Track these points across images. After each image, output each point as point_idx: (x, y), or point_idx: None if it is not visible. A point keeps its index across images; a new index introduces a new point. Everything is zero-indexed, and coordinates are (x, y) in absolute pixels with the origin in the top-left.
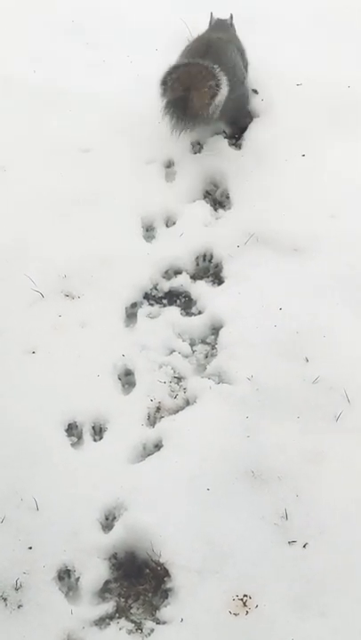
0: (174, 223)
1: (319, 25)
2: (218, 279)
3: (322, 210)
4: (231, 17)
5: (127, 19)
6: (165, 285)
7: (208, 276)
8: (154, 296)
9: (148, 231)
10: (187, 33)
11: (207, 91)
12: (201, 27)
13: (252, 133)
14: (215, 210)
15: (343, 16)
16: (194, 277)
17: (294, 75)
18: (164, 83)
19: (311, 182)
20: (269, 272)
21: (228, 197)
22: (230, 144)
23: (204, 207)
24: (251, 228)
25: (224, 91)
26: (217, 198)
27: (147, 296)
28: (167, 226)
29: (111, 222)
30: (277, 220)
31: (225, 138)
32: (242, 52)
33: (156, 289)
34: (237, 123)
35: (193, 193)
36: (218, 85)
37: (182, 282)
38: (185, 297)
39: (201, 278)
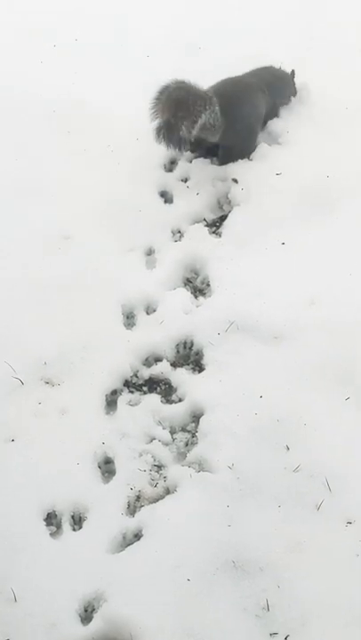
0: (155, 310)
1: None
2: (198, 366)
3: (302, 297)
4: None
5: (110, 108)
6: (146, 373)
7: (188, 364)
8: (134, 383)
9: (129, 318)
10: None
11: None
12: None
13: (232, 222)
14: (196, 297)
15: (324, 109)
16: (174, 365)
17: (273, 164)
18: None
19: (291, 270)
20: (250, 360)
21: (208, 285)
22: (210, 232)
23: (185, 294)
24: (231, 316)
25: (203, 119)
26: (197, 286)
27: (127, 383)
28: (147, 313)
29: (91, 309)
30: (258, 307)
31: (205, 226)
32: (271, 103)
33: (137, 376)
34: (228, 156)
35: (173, 280)
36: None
37: (163, 369)
38: (165, 384)
39: (181, 366)
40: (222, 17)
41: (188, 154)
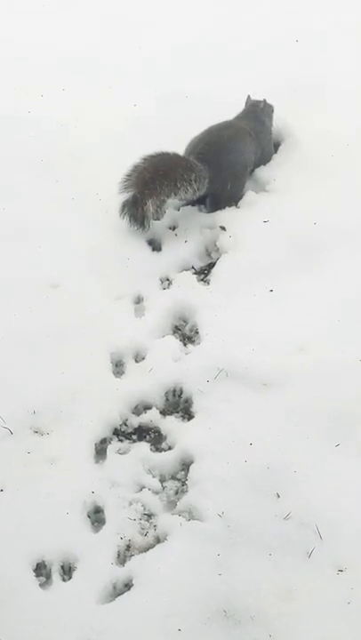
0: (144, 358)
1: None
2: (188, 414)
3: (290, 344)
4: (264, 101)
5: (97, 157)
6: (135, 421)
7: (178, 411)
8: (123, 432)
9: (118, 366)
10: None
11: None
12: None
13: (220, 269)
14: (185, 345)
15: (311, 156)
16: (163, 413)
17: (261, 212)
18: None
19: (279, 317)
20: (239, 407)
21: (197, 332)
22: (199, 280)
23: (174, 342)
24: (220, 363)
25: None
26: (186, 333)
27: (116, 432)
28: (136, 361)
29: (80, 357)
30: (247, 354)
31: (193, 274)
32: (262, 141)
33: (126, 424)
34: (216, 203)
35: (162, 328)
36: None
37: (152, 417)
38: (155, 432)
39: (171, 413)
40: (208, 65)
41: (176, 201)
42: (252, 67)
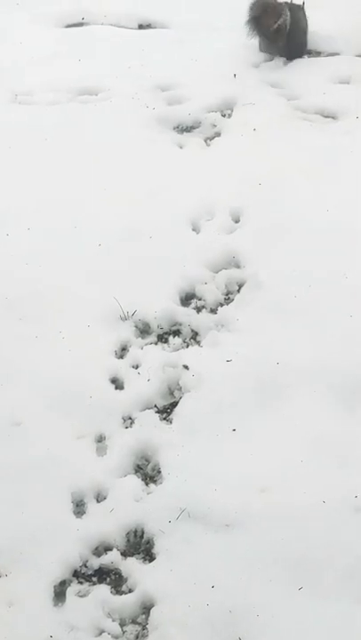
0: (105, 498)
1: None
2: (149, 556)
3: (254, 485)
4: (303, 3)
5: (62, 295)
6: (95, 562)
7: (139, 553)
8: (83, 573)
9: (79, 506)
10: (119, 311)
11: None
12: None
13: (183, 408)
14: (147, 484)
15: (274, 297)
16: (124, 554)
17: (224, 351)
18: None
19: (242, 456)
20: (201, 549)
21: (159, 472)
22: (161, 418)
23: (136, 482)
24: (182, 503)
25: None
26: (148, 472)
27: (76, 573)
28: (98, 501)
29: (41, 497)
30: (209, 494)
31: (156, 412)
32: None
33: (86, 566)
34: (293, 49)
35: (124, 467)
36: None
37: (113, 558)
38: (115, 574)
39: (132, 555)
40: (173, 207)
41: None
42: (218, 196)
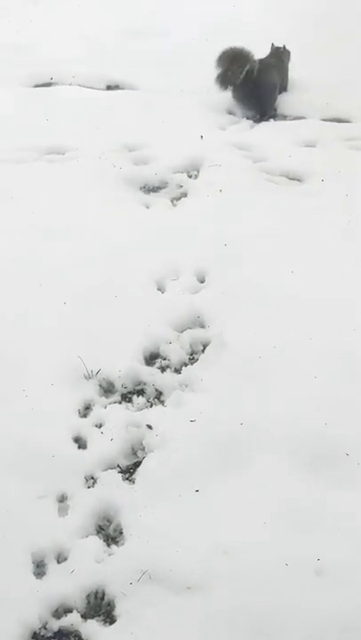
0: (66, 559)
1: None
2: (110, 618)
3: (215, 546)
4: (284, 47)
5: (27, 357)
6: (55, 624)
7: (100, 615)
8: (43, 635)
9: (39, 567)
10: (83, 370)
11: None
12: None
13: (146, 468)
14: (108, 545)
15: (238, 356)
16: (85, 616)
17: (188, 411)
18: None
19: (205, 518)
20: (162, 611)
21: (121, 533)
22: (124, 479)
23: (97, 542)
24: (144, 565)
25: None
26: (110, 534)
27: (35, 636)
28: (58, 562)
29: (0, 558)
30: (171, 556)
31: (119, 472)
32: (283, 73)
33: (46, 628)
34: (261, 106)
35: (86, 528)
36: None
37: (73, 621)
38: (75, 637)
39: (92, 617)
40: (139, 266)
41: None
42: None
